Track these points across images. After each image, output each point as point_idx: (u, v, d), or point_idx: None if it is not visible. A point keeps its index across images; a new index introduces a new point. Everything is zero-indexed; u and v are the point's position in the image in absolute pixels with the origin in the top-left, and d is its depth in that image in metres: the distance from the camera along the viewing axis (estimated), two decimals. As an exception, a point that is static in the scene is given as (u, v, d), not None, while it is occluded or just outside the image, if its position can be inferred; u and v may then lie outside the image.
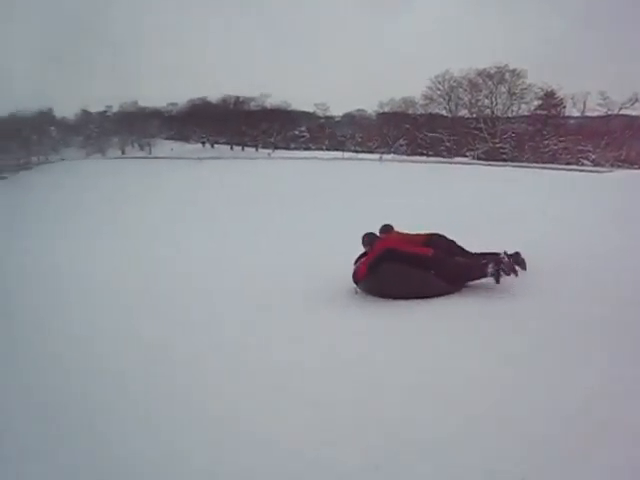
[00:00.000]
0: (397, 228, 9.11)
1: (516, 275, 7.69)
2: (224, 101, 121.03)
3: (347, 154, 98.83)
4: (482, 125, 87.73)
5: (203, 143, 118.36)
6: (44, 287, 11.83)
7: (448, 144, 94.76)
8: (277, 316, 7.79)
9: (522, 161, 73.82)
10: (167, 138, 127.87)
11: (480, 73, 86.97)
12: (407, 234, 8.60)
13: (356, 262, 8.35)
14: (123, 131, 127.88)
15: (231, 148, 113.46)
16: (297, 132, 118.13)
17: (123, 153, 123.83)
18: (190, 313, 8.96)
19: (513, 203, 21.14)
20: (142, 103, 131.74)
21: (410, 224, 9.20)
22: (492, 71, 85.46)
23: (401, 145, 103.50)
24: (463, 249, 8.21)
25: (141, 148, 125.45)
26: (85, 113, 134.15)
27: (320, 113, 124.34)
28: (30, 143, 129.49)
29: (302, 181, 61.05)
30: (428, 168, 67.77)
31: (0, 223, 59.59)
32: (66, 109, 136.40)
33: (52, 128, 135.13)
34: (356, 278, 7.88)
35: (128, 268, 13.46)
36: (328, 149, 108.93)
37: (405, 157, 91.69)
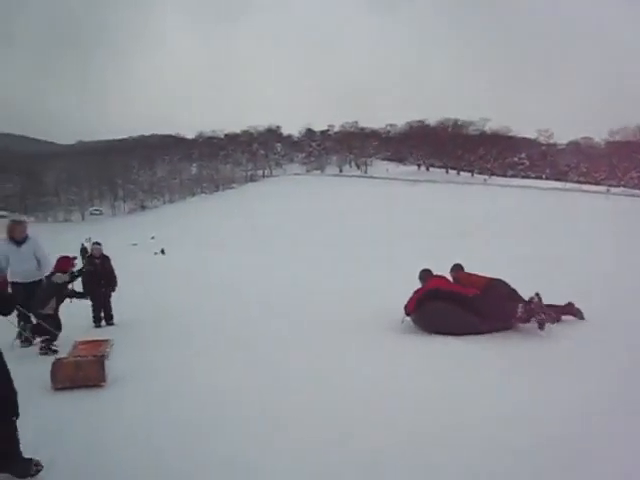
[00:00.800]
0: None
1: (553, 322, 7.56)
2: (442, 124, 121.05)
3: (569, 185, 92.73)
4: None
5: (419, 165, 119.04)
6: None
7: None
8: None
9: None
10: (383, 159, 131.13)
11: None
12: (471, 274, 8.72)
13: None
14: (342, 150, 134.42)
15: (446, 172, 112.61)
16: (516, 159, 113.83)
17: (341, 171, 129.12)
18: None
19: None
20: (362, 124, 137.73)
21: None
22: None
23: (632, 178, 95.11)
24: (520, 297, 7.89)
25: (358, 167, 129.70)
26: (309, 131, 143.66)
27: (542, 140, 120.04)
28: (258, 157, 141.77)
29: (515, 211, 58.86)
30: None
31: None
32: (292, 127, 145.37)
33: (278, 144, 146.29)
34: (407, 310, 8.36)
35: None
36: (548, 178, 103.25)
37: (636, 191, 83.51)
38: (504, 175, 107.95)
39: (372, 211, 68.77)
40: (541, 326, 7.43)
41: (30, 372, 5.51)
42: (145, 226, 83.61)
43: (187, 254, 35.02)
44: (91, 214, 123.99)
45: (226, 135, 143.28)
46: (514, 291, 8.01)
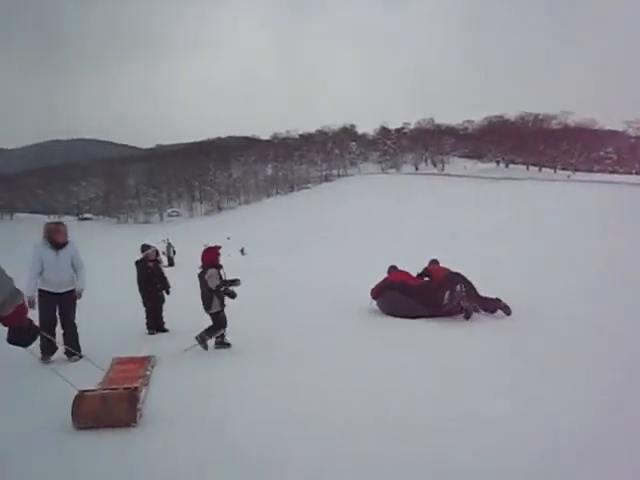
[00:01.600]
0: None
1: (474, 311, 8.90)
2: (522, 119, 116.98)
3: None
4: None
5: (497, 162, 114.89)
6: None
7: None
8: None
9: None
10: (461, 156, 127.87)
11: None
12: (438, 268, 10.00)
13: None
14: (418, 148, 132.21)
15: (527, 168, 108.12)
16: (602, 153, 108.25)
17: (416, 169, 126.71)
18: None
19: None
20: (438, 120, 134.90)
21: None
22: None
23: None
24: (474, 291, 9.21)
25: (434, 165, 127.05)
26: (384, 129, 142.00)
27: (631, 132, 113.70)
28: (333, 157, 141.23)
29: (598, 210, 54.96)
30: None
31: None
32: (367, 125, 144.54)
33: (353, 143, 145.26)
34: (371, 296, 10.23)
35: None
36: (638, 173, 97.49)
37: None
38: (590, 170, 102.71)
39: (449, 210, 66.51)
40: (467, 316, 8.79)
41: (48, 406, 4.88)
42: (221, 227, 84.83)
43: (263, 255, 34.31)
44: (169, 215, 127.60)
45: (301, 135, 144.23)
46: (465, 281, 9.24)
